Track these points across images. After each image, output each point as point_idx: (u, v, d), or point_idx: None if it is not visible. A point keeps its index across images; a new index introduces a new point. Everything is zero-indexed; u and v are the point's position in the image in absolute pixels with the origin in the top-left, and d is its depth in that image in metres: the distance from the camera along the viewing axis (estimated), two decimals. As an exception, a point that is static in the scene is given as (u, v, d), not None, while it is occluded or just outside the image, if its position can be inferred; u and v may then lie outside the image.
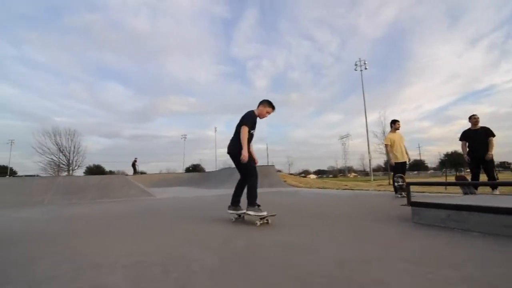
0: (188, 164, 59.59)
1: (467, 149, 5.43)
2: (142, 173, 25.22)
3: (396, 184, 5.42)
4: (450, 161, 44.48)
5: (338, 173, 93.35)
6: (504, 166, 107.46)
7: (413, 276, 1.39)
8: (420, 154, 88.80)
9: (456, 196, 4.14)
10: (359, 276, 1.42)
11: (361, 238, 2.26)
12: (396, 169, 5.61)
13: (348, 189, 9.18)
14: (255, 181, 3.20)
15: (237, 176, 3.52)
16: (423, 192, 6.32)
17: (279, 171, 20.01)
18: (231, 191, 3.49)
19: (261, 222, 2.98)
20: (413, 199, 3.13)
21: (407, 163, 5.75)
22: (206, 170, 34.88)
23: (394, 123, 5.89)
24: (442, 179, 11.25)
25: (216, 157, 59.09)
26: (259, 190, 3.27)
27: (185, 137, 58.19)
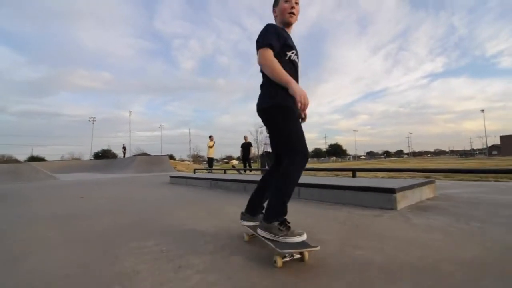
0: (97, 149, 56.27)
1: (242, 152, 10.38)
2: (40, 159, 23.60)
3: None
4: (331, 151, 57.25)
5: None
6: (387, 155, 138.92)
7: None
8: (325, 143, 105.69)
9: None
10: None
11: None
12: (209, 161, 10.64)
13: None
14: (300, 164, 1.43)
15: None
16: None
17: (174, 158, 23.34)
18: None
19: (287, 258, 1.31)
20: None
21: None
22: (119, 157, 33.39)
23: (210, 137, 10.87)
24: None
25: (131, 141, 57.12)
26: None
27: (93, 120, 54.38)
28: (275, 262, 1.27)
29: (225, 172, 6.98)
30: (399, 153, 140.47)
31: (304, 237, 1.34)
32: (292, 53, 1.53)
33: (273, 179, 1.60)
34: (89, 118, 54.55)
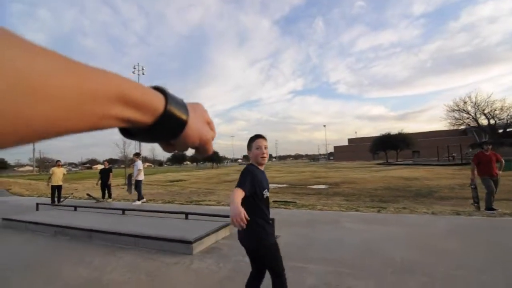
0: None
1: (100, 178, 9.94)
2: None
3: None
4: (208, 158, 61.04)
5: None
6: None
7: None
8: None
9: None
10: None
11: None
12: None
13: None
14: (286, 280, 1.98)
15: None
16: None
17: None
18: None
19: None
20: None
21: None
22: None
23: (56, 162, 9.50)
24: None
25: None
26: None
27: None
28: None
29: (75, 209, 6.80)
30: (270, 156, 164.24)
31: None
32: (266, 191, 1.97)
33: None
34: None
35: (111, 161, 9.79)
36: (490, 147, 6.40)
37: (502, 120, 31.93)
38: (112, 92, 0.26)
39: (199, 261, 3.55)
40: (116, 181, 21.74)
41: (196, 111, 0.38)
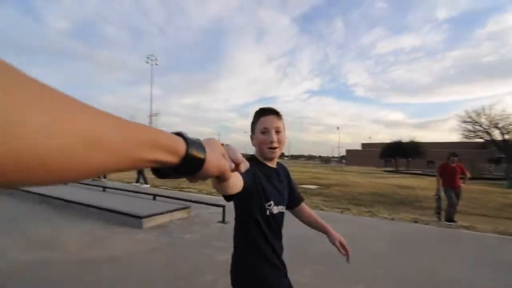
0: None
1: None
2: None
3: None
4: None
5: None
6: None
7: None
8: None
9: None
10: None
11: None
12: None
13: None
14: None
15: None
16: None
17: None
18: None
19: None
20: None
21: None
22: None
23: None
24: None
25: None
26: None
27: None
28: None
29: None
30: (282, 155, 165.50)
31: None
32: (272, 205, 1.18)
33: None
34: None
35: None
36: (456, 159, 6.52)
37: (516, 136, 30.49)
38: (148, 138, 0.33)
39: (144, 234, 4.09)
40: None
41: (212, 147, 0.45)
